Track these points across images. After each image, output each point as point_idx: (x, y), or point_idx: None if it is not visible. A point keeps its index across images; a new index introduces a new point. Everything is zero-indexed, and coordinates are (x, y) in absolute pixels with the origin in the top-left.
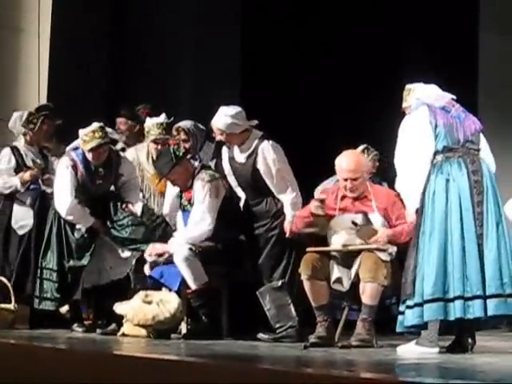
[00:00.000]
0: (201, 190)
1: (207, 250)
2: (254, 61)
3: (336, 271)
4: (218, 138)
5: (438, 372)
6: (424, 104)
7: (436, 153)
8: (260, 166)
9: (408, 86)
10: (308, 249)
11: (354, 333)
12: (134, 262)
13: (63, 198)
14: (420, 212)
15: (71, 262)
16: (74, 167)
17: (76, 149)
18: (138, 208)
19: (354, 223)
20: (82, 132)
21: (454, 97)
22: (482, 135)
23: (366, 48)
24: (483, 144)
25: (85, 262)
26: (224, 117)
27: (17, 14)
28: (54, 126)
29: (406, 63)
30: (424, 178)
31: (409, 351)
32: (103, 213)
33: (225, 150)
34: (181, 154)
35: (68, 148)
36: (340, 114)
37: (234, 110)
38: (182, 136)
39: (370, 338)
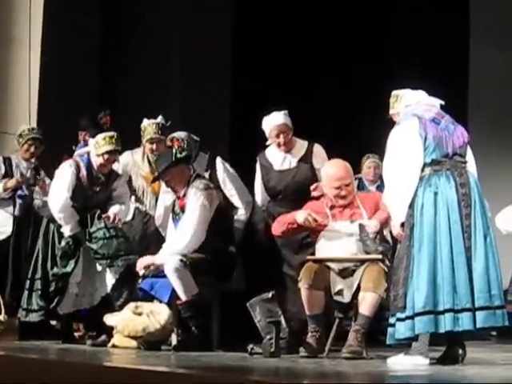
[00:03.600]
0: (194, 197)
1: (198, 260)
2: (245, 66)
3: (338, 283)
4: (284, 139)
5: (427, 383)
6: (414, 115)
7: (424, 166)
8: (318, 165)
9: (395, 92)
10: (309, 257)
11: (346, 344)
12: (116, 276)
13: (59, 193)
14: (408, 225)
15: (55, 269)
16: (77, 168)
17: (81, 156)
18: (130, 212)
19: (362, 226)
20: (98, 136)
21: (443, 102)
22: (468, 146)
23: (356, 56)
24: (469, 155)
25: (69, 269)
26: (286, 116)
27: (8, 24)
28: (38, 150)
29: (396, 74)
30: (412, 192)
31: (399, 363)
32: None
33: (262, 158)
34: (181, 156)
35: (75, 154)
36: (330, 120)
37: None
38: (176, 146)
39: (361, 350)
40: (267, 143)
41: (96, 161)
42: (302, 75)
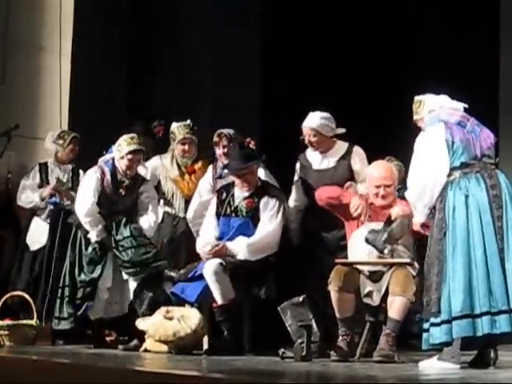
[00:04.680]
0: (277, 206)
1: (236, 265)
2: (275, 68)
3: (367, 285)
4: (309, 140)
5: None
6: (440, 121)
7: (454, 169)
8: (356, 166)
9: (418, 98)
10: (337, 260)
11: (377, 348)
12: (135, 284)
13: (85, 198)
14: (440, 229)
15: (82, 276)
16: (102, 174)
17: (106, 162)
18: (159, 215)
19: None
20: (119, 139)
21: (466, 105)
22: None
23: (383, 58)
24: None
25: (95, 274)
26: (319, 118)
27: (38, 32)
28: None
29: (424, 78)
30: (435, 196)
31: (431, 367)
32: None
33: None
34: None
35: (100, 160)
36: (357, 127)
37: (326, 113)
38: (224, 142)
39: (393, 354)
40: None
41: (121, 164)
42: (331, 78)
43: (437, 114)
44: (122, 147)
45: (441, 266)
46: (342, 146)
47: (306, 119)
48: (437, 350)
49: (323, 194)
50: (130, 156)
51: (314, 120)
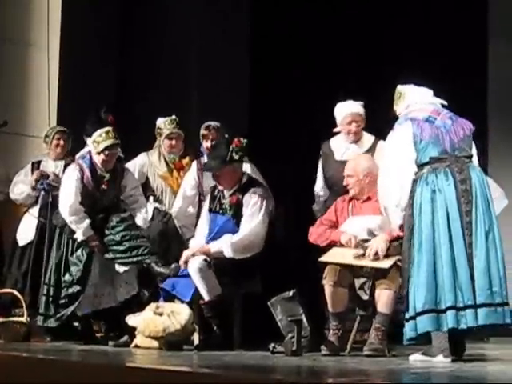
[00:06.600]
0: (257, 204)
1: (221, 261)
2: (263, 69)
3: (361, 277)
4: (356, 127)
5: (449, 381)
6: (407, 120)
7: (423, 165)
8: (378, 160)
9: (399, 89)
10: (320, 259)
11: (367, 342)
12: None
13: (68, 197)
14: (408, 226)
15: (67, 276)
16: (81, 171)
17: (83, 158)
18: (149, 211)
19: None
20: (94, 135)
21: (445, 102)
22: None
23: (371, 56)
24: (472, 148)
25: (80, 274)
26: (359, 105)
27: (26, 28)
28: (67, 143)
29: (413, 71)
30: (406, 195)
31: (421, 360)
32: (101, 230)
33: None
34: (236, 157)
35: (77, 156)
36: None
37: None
38: (212, 135)
39: (383, 348)
40: (335, 130)
41: (98, 159)
42: (318, 72)
43: (408, 111)
44: (98, 143)
45: (409, 262)
46: (368, 139)
47: (349, 107)
48: (425, 343)
49: (315, 240)
50: (107, 152)
51: (359, 107)
